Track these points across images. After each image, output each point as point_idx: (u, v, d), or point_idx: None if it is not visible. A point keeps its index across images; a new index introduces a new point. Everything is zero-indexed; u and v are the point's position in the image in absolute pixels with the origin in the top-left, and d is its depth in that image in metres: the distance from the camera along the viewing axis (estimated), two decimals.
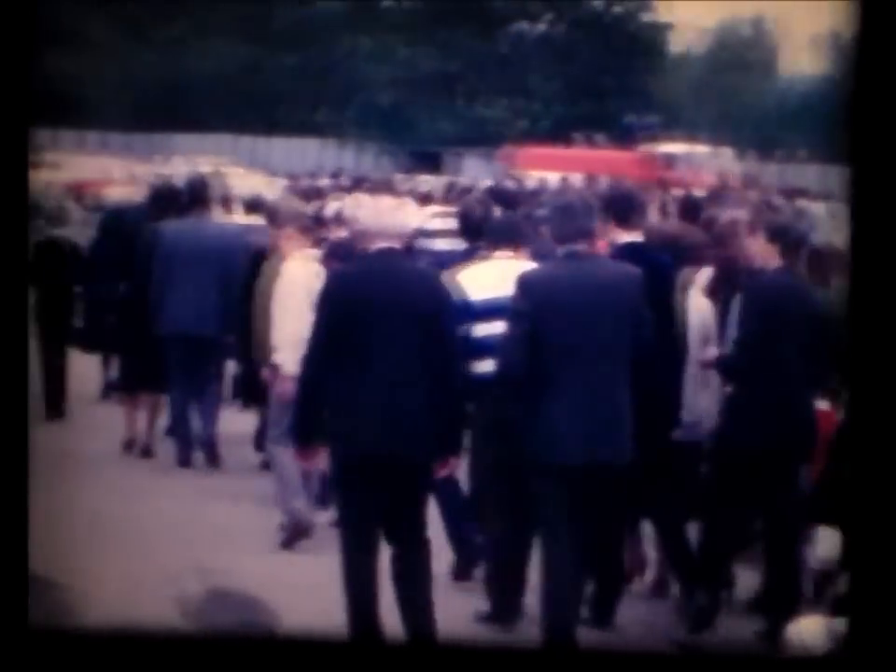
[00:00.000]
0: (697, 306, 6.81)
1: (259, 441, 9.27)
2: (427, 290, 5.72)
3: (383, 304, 5.58)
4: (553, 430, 5.64)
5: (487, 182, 21.56)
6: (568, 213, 5.85)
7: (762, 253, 6.41)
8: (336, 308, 5.61)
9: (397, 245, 5.73)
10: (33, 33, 4.30)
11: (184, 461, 9.59)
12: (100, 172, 37.85)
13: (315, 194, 14.23)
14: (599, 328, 5.66)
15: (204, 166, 29.74)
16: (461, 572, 6.97)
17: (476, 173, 31.48)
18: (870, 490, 4.01)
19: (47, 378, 10.90)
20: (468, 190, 11.30)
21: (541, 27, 53.24)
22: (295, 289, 7.65)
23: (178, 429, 9.73)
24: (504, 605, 6.35)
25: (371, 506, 5.66)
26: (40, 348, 10.89)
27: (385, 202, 6.12)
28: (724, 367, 6.51)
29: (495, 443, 6.32)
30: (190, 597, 6.73)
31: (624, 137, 36.27)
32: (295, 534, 7.69)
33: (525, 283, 5.74)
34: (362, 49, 50.81)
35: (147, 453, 9.82)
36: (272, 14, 55.36)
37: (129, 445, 9.95)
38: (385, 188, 15.71)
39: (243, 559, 7.47)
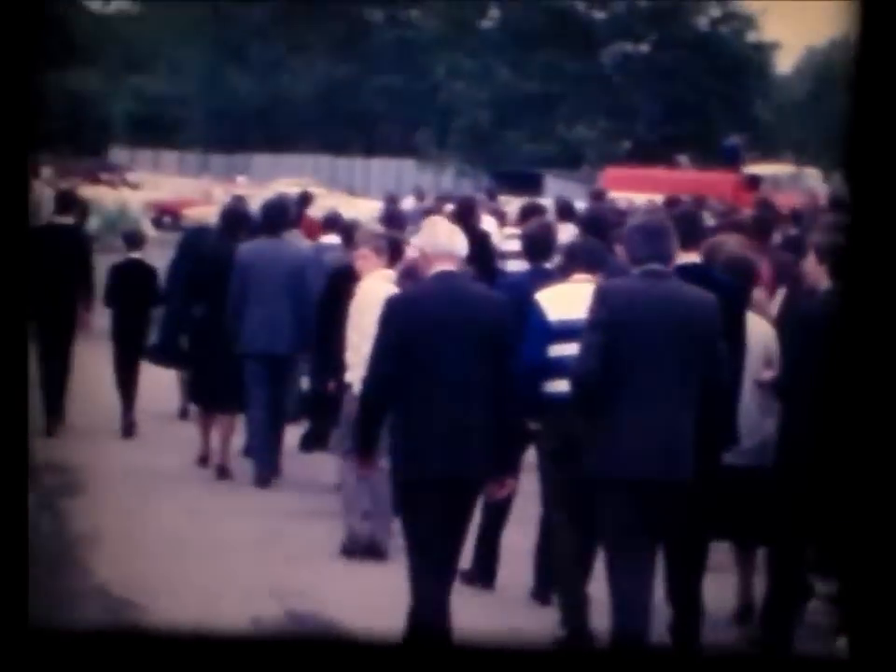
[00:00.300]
0: (758, 328, 6.81)
1: (306, 442, 9.96)
2: (485, 311, 5.91)
3: (441, 325, 5.81)
4: (616, 443, 5.74)
5: (583, 204, 21.48)
6: (647, 233, 5.94)
7: (812, 274, 6.46)
8: (396, 329, 5.84)
9: (454, 267, 5.98)
10: (33, 46, 4.39)
11: (262, 481, 9.68)
12: (194, 192, 38.45)
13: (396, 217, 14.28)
14: (671, 346, 5.76)
15: (291, 187, 29.95)
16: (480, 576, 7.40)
17: (575, 194, 31.41)
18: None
19: (122, 394, 11.28)
20: (538, 211, 11.47)
21: (644, 48, 53.05)
22: (368, 309, 7.71)
23: (257, 449, 9.84)
24: (574, 621, 6.51)
25: (436, 523, 5.82)
26: (115, 366, 11.33)
27: (443, 226, 6.28)
28: (776, 389, 6.59)
29: (564, 462, 6.46)
30: (267, 616, 6.83)
31: (726, 158, 35.95)
32: (352, 548, 7.95)
33: (603, 293, 5.89)
34: (461, 70, 50.97)
35: (223, 472, 9.92)
36: (369, 34, 55.78)
37: (203, 462, 10.17)
38: (486, 209, 15.79)
39: (316, 577, 7.55)
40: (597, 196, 19.69)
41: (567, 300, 6.58)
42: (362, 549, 7.99)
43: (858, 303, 4.42)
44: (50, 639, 4.48)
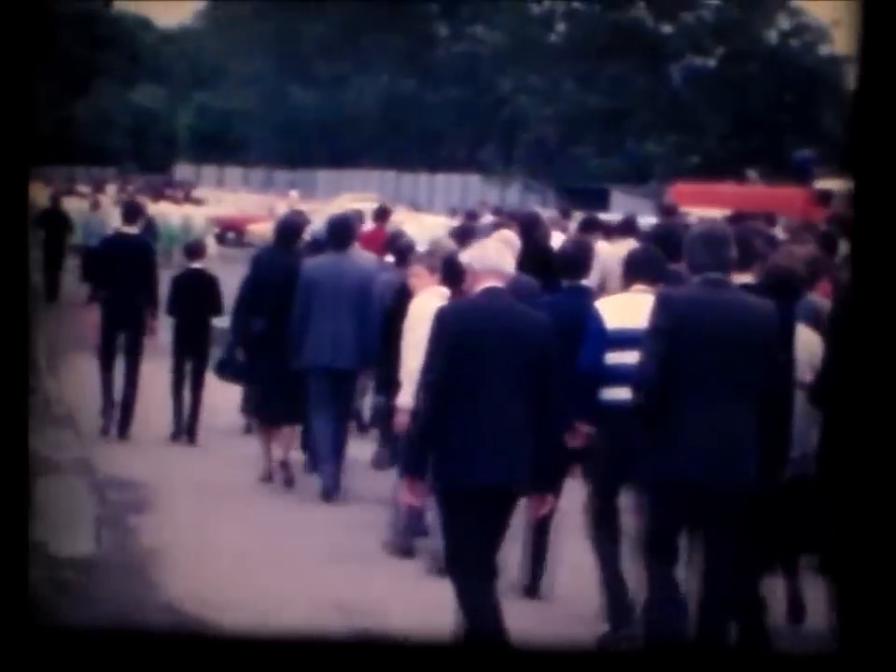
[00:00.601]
0: (805, 338, 6.90)
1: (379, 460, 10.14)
2: (529, 328, 6.07)
3: (485, 339, 5.98)
4: (678, 447, 5.87)
5: (652, 219, 21.42)
6: (707, 242, 6.04)
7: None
8: (445, 340, 6.01)
9: (501, 284, 6.13)
10: (30, 61, 4.50)
11: (328, 495, 9.80)
12: (257, 208, 38.71)
13: (470, 232, 14.32)
14: (731, 353, 5.87)
15: (356, 203, 30.09)
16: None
17: (642, 210, 31.34)
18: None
19: (176, 404, 11.71)
20: (597, 226, 11.58)
21: (713, 61, 52.84)
22: (419, 326, 7.78)
23: (325, 463, 9.94)
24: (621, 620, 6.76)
25: (475, 533, 6.01)
26: (173, 374, 11.71)
27: (492, 244, 6.50)
28: (810, 395, 6.70)
29: (619, 468, 6.72)
30: (333, 630, 6.87)
31: (797, 173, 35.71)
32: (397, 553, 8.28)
33: (664, 302, 6.02)
34: (528, 85, 51.00)
35: (288, 482, 10.11)
36: (434, 49, 55.95)
37: (267, 479, 10.27)
38: (559, 226, 15.82)
39: (383, 591, 7.60)
40: (669, 211, 19.62)
41: (626, 309, 6.77)
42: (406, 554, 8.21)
43: (880, 307, 4.45)
44: (52, 637, 4.54)
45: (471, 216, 17.28)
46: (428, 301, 8.01)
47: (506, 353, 5.97)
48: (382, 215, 15.29)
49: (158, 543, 8.52)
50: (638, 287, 6.93)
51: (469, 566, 5.97)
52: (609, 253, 10.84)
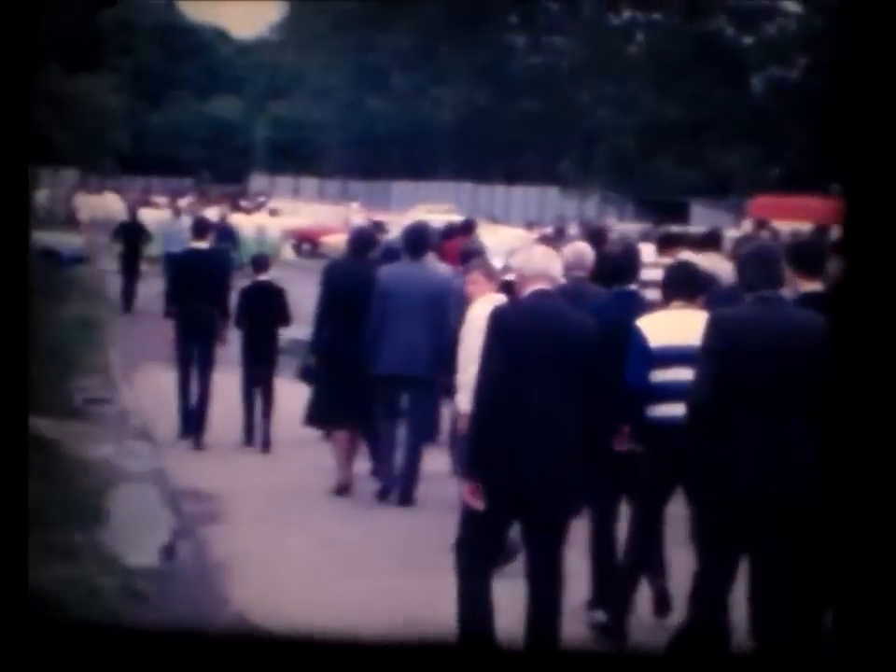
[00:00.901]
0: None
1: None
2: (574, 329, 6.30)
3: (531, 339, 6.21)
4: (730, 461, 5.96)
5: (736, 233, 21.38)
6: (759, 261, 6.20)
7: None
8: (494, 345, 6.26)
9: (548, 287, 6.37)
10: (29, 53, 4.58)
11: (405, 501, 10.02)
12: (333, 219, 38.91)
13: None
14: (785, 371, 5.97)
15: (431, 214, 30.16)
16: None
17: (722, 223, 31.16)
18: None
19: (247, 412, 12.16)
20: (678, 241, 11.55)
21: (795, 73, 52.45)
22: (475, 332, 7.92)
23: (403, 470, 10.09)
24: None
25: (498, 535, 6.38)
26: (243, 384, 12.16)
27: (539, 250, 6.74)
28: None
29: (665, 485, 6.92)
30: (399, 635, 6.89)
31: None
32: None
33: (718, 321, 6.14)
34: (606, 96, 50.91)
35: (343, 489, 10.31)
36: (512, 61, 55.96)
37: (343, 491, 10.40)
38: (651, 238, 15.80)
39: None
40: (760, 225, 19.49)
41: (668, 327, 6.96)
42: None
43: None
44: (50, 631, 4.57)
45: (560, 230, 17.39)
46: (484, 307, 8.03)
47: (553, 353, 6.18)
48: (467, 228, 15.44)
49: (230, 553, 8.56)
50: (677, 303, 7.12)
51: (481, 557, 6.30)
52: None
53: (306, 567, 8.36)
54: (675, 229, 18.36)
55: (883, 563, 4.56)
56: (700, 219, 40.64)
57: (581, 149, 51.96)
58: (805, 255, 6.95)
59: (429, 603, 7.51)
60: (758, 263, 6.16)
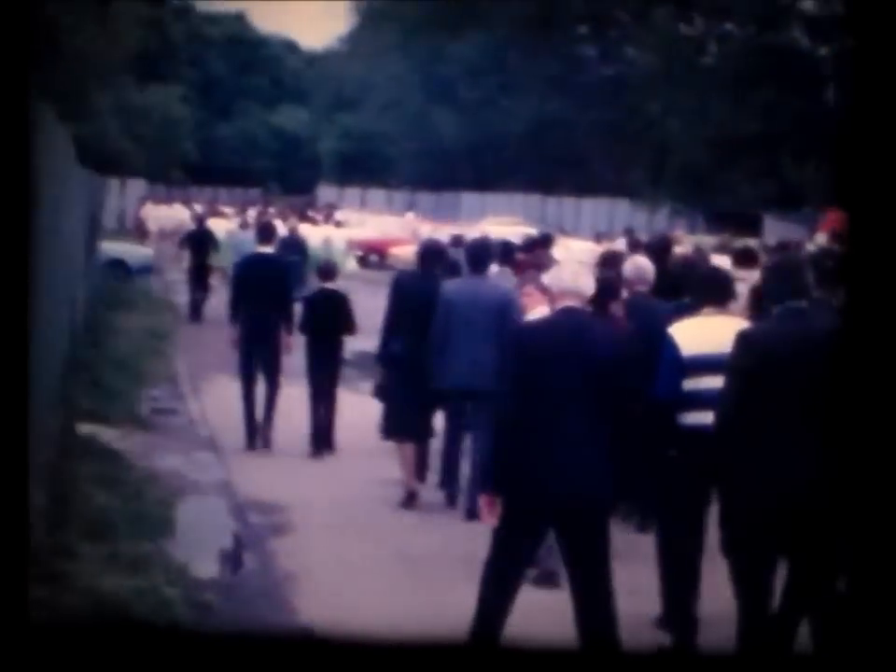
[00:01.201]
0: None
1: None
2: (602, 345, 6.37)
3: (557, 355, 6.30)
4: (760, 476, 6.05)
5: (811, 246, 21.28)
6: (782, 273, 6.33)
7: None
8: (519, 359, 6.41)
9: (577, 303, 6.51)
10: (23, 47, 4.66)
11: (470, 514, 9.93)
12: (401, 231, 38.99)
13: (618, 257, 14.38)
14: (810, 383, 6.03)
15: (497, 226, 30.15)
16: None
17: (794, 236, 30.98)
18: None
19: (313, 417, 12.27)
20: (754, 256, 11.52)
21: None
22: None
23: (471, 482, 10.14)
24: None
25: (522, 551, 6.41)
26: (309, 391, 12.24)
27: (570, 266, 6.84)
28: None
29: (700, 490, 6.97)
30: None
31: None
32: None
33: (744, 339, 6.24)
34: (678, 107, 50.69)
35: (411, 498, 10.40)
36: (582, 71, 55.86)
37: (410, 499, 10.48)
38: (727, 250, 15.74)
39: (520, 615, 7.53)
40: (835, 238, 19.33)
41: (700, 334, 7.05)
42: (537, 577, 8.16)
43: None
44: (50, 635, 4.59)
45: (636, 244, 17.37)
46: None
47: (577, 367, 6.26)
48: (545, 241, 15.43)
49: (297, 564, 8.58)
50: (708, 310, 7.21)
51: (503, 576, 6.37)
52: None
53: (373, 579, 8.37)
54: (751, 242, 18.29)
55: None
56: (773, 232, 40.41)
57: (651, 161, 51.76)
58: (824, 265, 7.27)
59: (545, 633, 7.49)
60: (782, 275, 6.28)
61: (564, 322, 6.45)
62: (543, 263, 10.79)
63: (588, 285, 6.61)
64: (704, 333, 7.01)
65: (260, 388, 12.42)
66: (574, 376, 6.24)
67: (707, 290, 7.32)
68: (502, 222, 39.42)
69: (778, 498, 5.98)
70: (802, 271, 6.32)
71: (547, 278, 6.86)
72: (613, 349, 6.38)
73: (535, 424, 6.24)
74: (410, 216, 44.51)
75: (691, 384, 6.95)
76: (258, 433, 12.29)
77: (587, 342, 6.35)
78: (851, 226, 4.82)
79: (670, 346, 7.02)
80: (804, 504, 5.99)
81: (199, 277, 23.53)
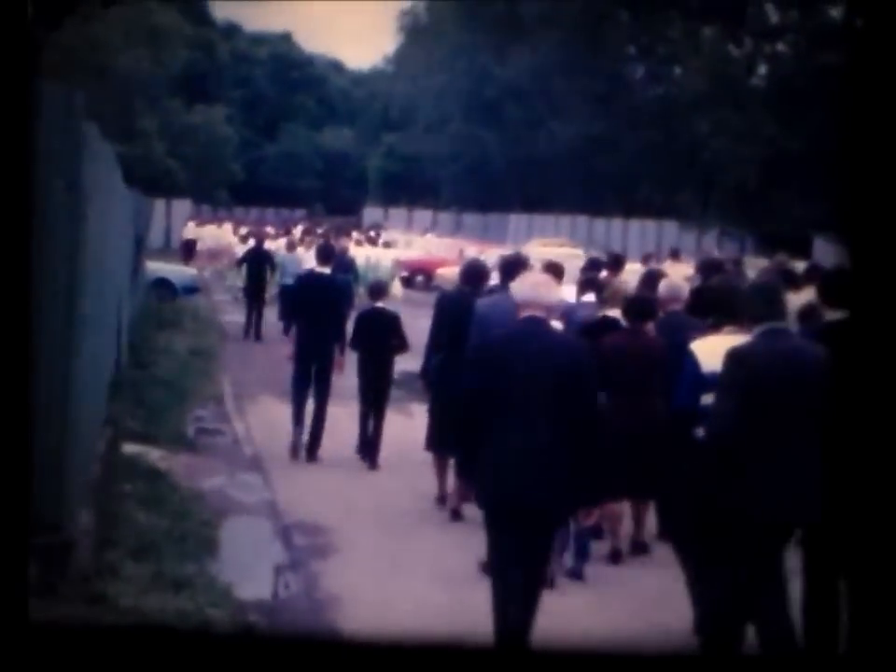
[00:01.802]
0: None
1: None
2: (561, 354, 6.54)
3: (518, 363, 6.48)
4: (761, 489, 6.38)
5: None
6: (763, 294, 6.70)
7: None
8: (482, 367, 6.61)
9: (541, 314, 6.67)
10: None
11: None
12: (447, 252, 39.03)
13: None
14: (797, 400, 6.45)
15: (544, 247, 30.09)
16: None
17: (845, 257, 30.83)
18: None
19: (362, 430, 12.70)
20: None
21: None
22: None
23: None
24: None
25: (510, 549, 6.54)
26: (361, 410, 12.68)
27: (535, 278, 7.03)
28: None
29: (714, 501, 7.02)
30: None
31: None
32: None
33: (735, 357, 6.58)
34: (727, 127, 50.53)
35: (456, 515, 10.49)
36: (629, 92, 55.78)
37: (441, 502, 10.83)
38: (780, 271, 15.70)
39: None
40: None
41: (718, 351, 7.11)
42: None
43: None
44: (50, 636, 4.60)
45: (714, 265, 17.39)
46: None
47: (536, 376, 6.45)
48: (617, 263, 15.33)
49: (342, 586, 8.57)
50: (729, 328, 7.34)
51: (503, 577, 6.55)
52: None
53: (418, 600, 8.34)
54: (800, 265, 18.19)
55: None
56: (823, 254, 40.15)
57: (699, 182, 51.64)
58: (832, 285, 7.50)
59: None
60: (763, 298, 6.66)
61: (525, 331, 6.63)
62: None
63: (551, 295, 6.78)
64: (723, 351, 7.10)
65: (309, 406, 12.62)
66: (533, 384, 6.42)
67: (726, 309, 7.47)
68: (549, 243, 39.37)
69: (774, 512, 6.32)
70: (779, 293, 6.75)
71: (513, 290, 6.99)
72: (572, 358, 6.55)
73: (496, 427, 6.45)
74: (429, 236, 44.57)
75: (708, 399, 7.06)
76: (302, 445, 12.57)
77: (546, 351, 6.51)
78: (853, 248, 5.07)
79: (691, 361, 7.22)
80: (802, 515, 6.36)
81: (256, 297, 23.67)
